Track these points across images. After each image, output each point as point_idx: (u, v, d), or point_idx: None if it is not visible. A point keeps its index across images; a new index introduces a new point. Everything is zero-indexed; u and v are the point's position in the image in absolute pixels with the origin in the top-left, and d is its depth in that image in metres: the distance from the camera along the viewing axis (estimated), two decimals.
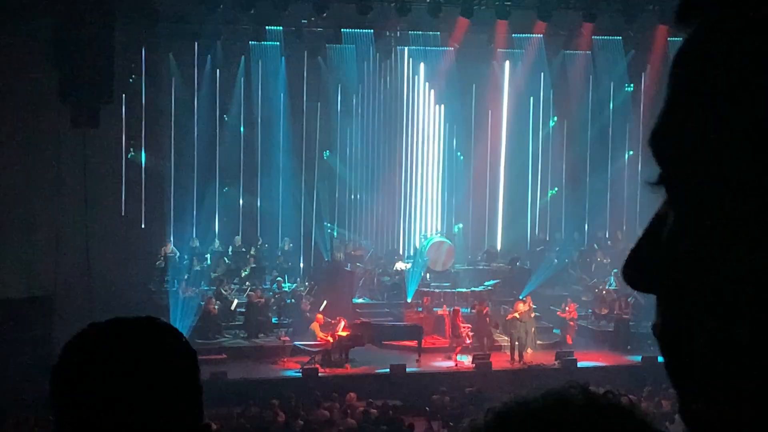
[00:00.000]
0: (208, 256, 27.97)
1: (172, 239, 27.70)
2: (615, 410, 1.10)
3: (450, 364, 23.73)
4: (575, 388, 1.11)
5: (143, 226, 27.50)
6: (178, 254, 27.33)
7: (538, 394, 1.10)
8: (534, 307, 24.94)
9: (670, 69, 0.82)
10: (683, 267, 0.79)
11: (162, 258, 27.21)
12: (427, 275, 27.81)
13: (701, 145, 0.77)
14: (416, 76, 30.07)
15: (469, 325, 24.49)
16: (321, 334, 23.94)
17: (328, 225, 29.45)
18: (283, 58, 28.54)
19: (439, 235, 29.52)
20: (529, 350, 24.17)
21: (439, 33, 28.69)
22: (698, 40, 0.79)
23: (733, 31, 0.76)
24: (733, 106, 0.75)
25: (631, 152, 30.95)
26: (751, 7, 0.76)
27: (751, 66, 0.74)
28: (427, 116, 30.62)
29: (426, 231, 30.00)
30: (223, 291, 26.03)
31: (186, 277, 26.20)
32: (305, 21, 28.00)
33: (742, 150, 0.74)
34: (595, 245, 30.30)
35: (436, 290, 27.26)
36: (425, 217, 30.50)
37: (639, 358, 24.20)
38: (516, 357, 23.92)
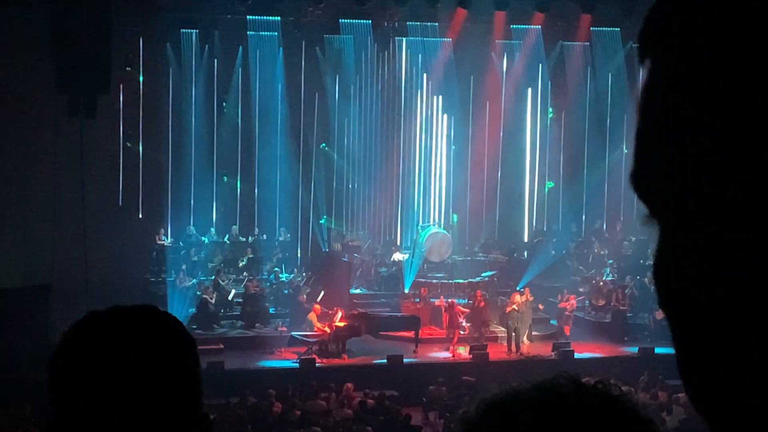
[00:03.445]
0: (205, 239, 27.93)
1: (164, 228, 27.60)
2: (604, 399, 1.11)
3: (447, 355, 23.76)
4: (565, 378, 1.12)
5: (140, 215, 27.49)
6: (169, 242, 27.29)
7: (528, 385, 1.11)
8: (532, 298, 24.92)
9: (637, 106, 0.85)
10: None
11: (157, 247, 27.18)
12: (425, 266, 27.83)
13: (680, 177, 0.80)
14: (414, 67, 30.02)
15: (465, 312, 24.52)
16: (318, 325, 23.97)
17: (324, 219, 29.43)
18: (280, 48, 28.50)
19: (436, 226, 29.53)
20: (526, 341, 24.20)
21: (437, 24, 28.67)
22: (658, 76, 0.82)
23: (687, 66, 0.79)
24: (701, 135, 0.77)
25: (627, 151, 30.97)
26: (701, 41, 0.78)
27: (705, 99, 0.77)
28: (424, 107, 30.59)
29: (423, 222, 29.99)
30: (220, 281, 26.03)
31: (183, 267, 26.21)
32: (303, 11, 27.98)
33: (720, 175, 0.77)
34: (592, 237, 30.32)
35: (434, 281, 27.27)
36: (423, 208, 30.49)
37: (636, 349, 24.25)
38: (513, 348, 23.94)
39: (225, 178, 29.02)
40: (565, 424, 1.07)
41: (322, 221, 29.43)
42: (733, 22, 0.77)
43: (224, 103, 29.01)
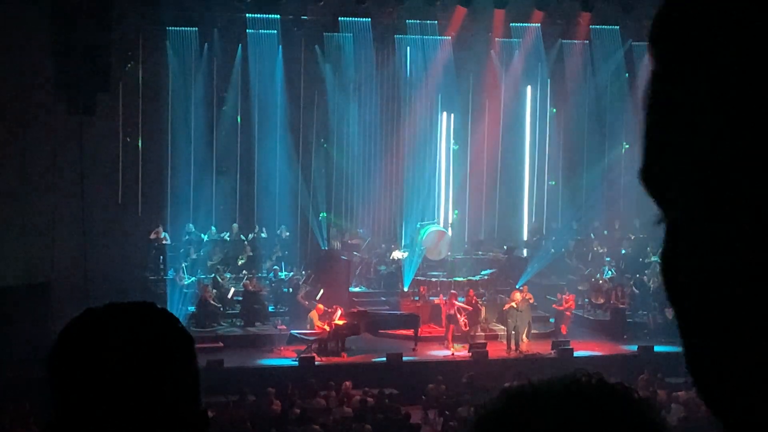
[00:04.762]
0: (205, 237, 27.90)
1: (161, 225, 27.55)
2: (628, 400, 1.11)
3: (446, 353, 23.77)
4: (591, 377, 1.12)
5: (140, 213, 27.49)
6: (168, 240, 27.27)
7: (551, 379, 1.11)
8: (531, 297, 24.90)
9: (643, 105, 0.85)
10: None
11: (156, 245, 27.15)
12: (424, 264, 27.82)
13: (690, 173, 0.80)
14: (413, 65, 30.02)
15: (467, 309, 24.55)
16: (318, 323, 23.96)
17: (323, 214, 29.44)
18: (280, 46, 28.50)
19: (436, 224, 29.52)
20: (525, 339, 24.20)
21: (436, 22, 28.66)
22: (668, 70, 0.82)
23: (698, 60, 0.79)
24: (710, 134, 0.78)
25: (627, 146, 30.96)
26: (714, 34, 0.78)
27: (714, 99, 0.78)
28: (424, 105, 30.57)
29: (423, 220, 29.98)
30: (219, 279, 26.03)
31: (183, 265, 26.21)
32: (302, 9, 27.96)
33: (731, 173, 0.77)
34: (592, 235, 30.32)
35: (433, 279, 27.27)
36: (422, 206, 30.47)
37: (635, 348, 24.26)
38: (512, 346, 23.96)
39: (222, 178, 28.96)
40: (587, 420, 1.07)
41: (321, 216, 29.41)
42: (746, 16, 0.77)
43: (224, 101, 29.01)
